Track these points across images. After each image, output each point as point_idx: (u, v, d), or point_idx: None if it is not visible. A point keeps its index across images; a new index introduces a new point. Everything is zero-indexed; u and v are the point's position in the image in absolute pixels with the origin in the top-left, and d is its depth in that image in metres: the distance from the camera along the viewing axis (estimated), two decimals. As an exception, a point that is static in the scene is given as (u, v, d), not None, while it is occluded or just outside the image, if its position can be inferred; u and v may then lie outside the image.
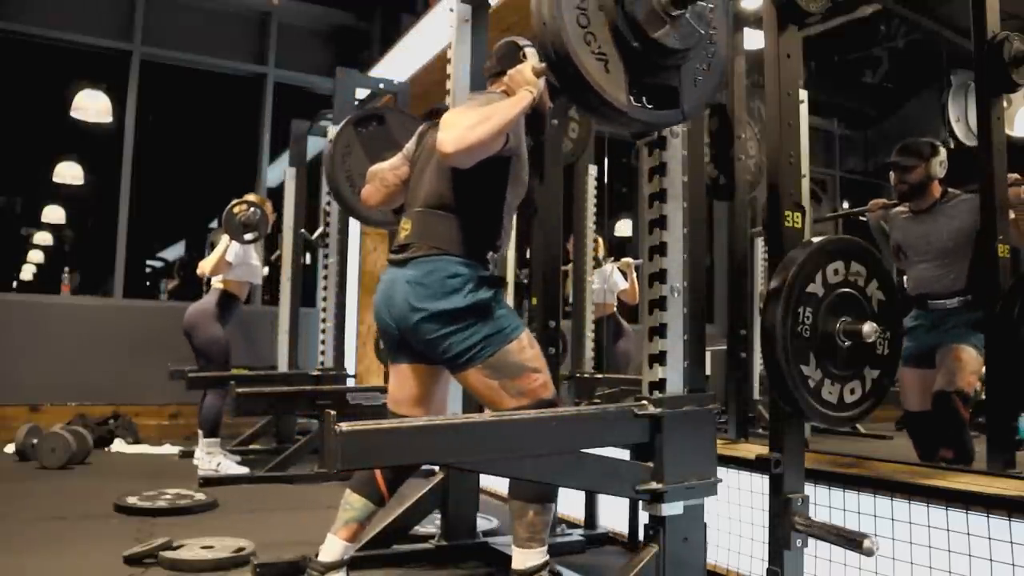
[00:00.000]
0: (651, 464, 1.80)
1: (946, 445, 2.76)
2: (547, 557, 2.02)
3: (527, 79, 1.99)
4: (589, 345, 4.16)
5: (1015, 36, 2.42)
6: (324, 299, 4.54)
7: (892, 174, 3.06)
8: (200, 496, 3.41)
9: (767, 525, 1.86)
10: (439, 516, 2.72)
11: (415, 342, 2.01)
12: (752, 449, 2.52)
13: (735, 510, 2.44)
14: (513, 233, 3.06)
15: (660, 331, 1.83)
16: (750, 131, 3.08)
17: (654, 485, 1.77)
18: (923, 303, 3.00)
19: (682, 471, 1.79)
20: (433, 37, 4.99)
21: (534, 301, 2.64)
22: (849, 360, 1.81)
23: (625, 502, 2.79)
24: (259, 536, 2.70)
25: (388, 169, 2.27)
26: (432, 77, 5.11)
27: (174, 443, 5.35)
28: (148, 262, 8.45)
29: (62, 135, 6.57)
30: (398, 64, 5.58)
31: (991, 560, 1.78)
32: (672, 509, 1.78)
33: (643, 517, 1.92)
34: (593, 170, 4.32)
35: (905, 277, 3.16)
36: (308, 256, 5.84)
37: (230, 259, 4.37)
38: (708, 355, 2.01)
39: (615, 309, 5.39)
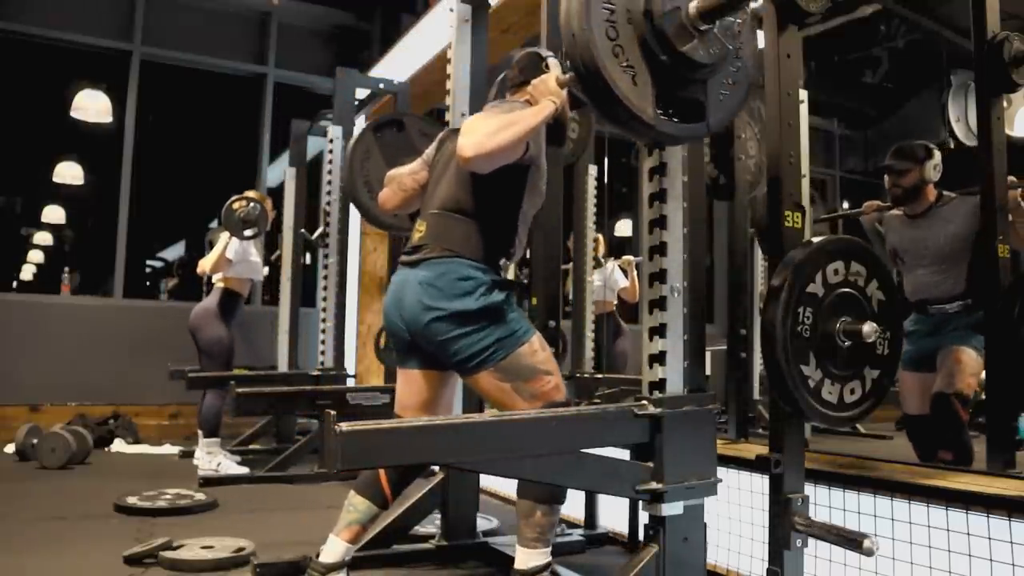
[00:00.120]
0: (651, 464, 1.80)
1: (945, 447, 2.75)
2: (550, 558, 2.03)
3: (551, 89, 2.01)
4: (589, 345, 4.16)
5: (1015, 36, 2.42)
6: (324, 299, 4.54)
7: (886, 177, 3.04)
8: (200, 496, 3.41)
9: (767, 525, 1.86)
10: (439, 516, 2.72)
11: (425, 344, 2.01)
12: (752, 449, 2.52)
13: (735, 510, 2.44)
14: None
15: (660, 331, 1.83)
16: (750, 131, 3.07)
17: (654, 485, 1.77)
18: (923, 308, 2.98)
19: (682, 471, 1.79)
20: (433, 37, 5.00)
21: (534, 301, 2.64)
22: (849, 360, 1.81)
23: (625, 502, 2.79)
24: (259, 536, 2.70)
25: (407, 173, 2.28)
26: (432, 77, 5.11)
27: (174, 443, 5.35)
28: (148, 262, 8.45)
29: (62, 135, 6.57)
30: (398, 64, 5.58)
31: (991, 560, 1.78)
32: (672, 509, 1.78)
33: (643, 517, 1.92)
34: (593, 170, 4.32)
35: (903, 282, 3.14)
36: (308, 256, 5.84)
37: (230, 256, 4.36)
38: (708, 355, 2.01)
39: (615, 307, 5.39)
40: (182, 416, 5.81)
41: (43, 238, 8.58)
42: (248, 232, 4.41)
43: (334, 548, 2.07)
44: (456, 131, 2.14)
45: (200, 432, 4.24)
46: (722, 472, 1.92)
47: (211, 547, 2.54)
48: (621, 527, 2.88)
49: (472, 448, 1.58)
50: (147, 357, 5.59)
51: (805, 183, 2.74)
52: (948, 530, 1.87)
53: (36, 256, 8.82)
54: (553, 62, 2.15)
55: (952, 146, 3.27)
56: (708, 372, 2.05)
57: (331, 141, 4.65)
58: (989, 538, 1.79)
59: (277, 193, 5.72)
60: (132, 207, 6.14)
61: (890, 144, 3.13)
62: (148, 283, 8.26)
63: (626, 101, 1.51)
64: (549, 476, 1.76)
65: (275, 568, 2.34)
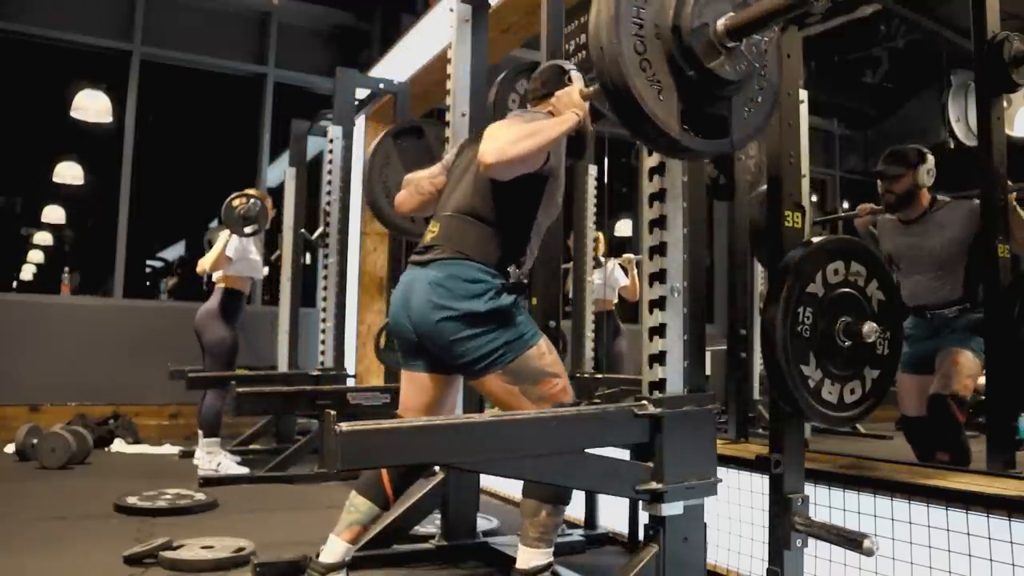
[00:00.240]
0: (651, 464, 1.80)
1: (942, 448, 2.76)
2: (552, 559, 2.03)
3: (574, 102, 2.02)
4: (589, 345, 4.16)
5: (1015, 36, 2.42)
6: (324, 299, 4.54)
7: (879, 183, 3.00)
8: (200, 496, 3.41)
9: (767, 525, 1.87)
10: (439, 516, 2.72)
11: (432, 345, 2.01)
12: (752, 449, 2.52)
13: (735, 510, 2.44)
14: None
15: (660, 331, 1.83)
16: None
17: (654, 485, 1.77)
18: (920, 313, 2.97)
19: (682, 471, 1.79)
20: (433, 37, 5.00)
21: (534, 301, 2.64)
22: (849, 360, 1.81)
23: (625, 502, 2.79)
24: (259, 536, 2.70)
25: (425, 177, 2.29)
26: (432, 77, 5.11)
27: (174, 443, 5.35)
28: (148, 262, 8.44)
29: (62, 135, 6.56)
30: (398, 64, 5.58)
31: (991, 560, 1.78)
32: (672, 509, 1.78)
33: (643, 517, 1.92)
34: (593, 170, 4.32)
35: (900, 286, 3.13)
36: (308, 256, 5.84)
37: (230, 254, 4.36)
38: (708, 355, 2.01)
39: (614, 307, 5.39)
40: (182, 416, 5.81)
41: (43, 238, 8.57)
42: (248, 229, 4.41)
43: (334, 548, 2.07)
44: (476, 139, 2.16)
45: (200, 432, 4.24)
46: (722, 472, 1.92)
47: (211, 547, 2.54)
48: (621, 527, 2.88)
49: (473, 448, 1.58)
50: (147, 357, 5.58)
51: (805, 183, 2.74)
52: (948, 530, 1.87)
53: (36, 256, 8.81)
54: (576, 75, 2.17)
55: (952, 146, 3.26)
56: (708, 372, 2.05)
57: (331, 141, 4.65)
58: (989, 538, 1.79)
59: (277, 193, 5.72)
60: (132, 207, 6.14)
61: (890, 144, 3.12)
62: (148, 283, 8.26)
63: (652, 116, 1.51)
64: (549, 476, 1.76)
65: (275, 568, 2.34)
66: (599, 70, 1.53)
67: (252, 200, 4.41)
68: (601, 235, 4.82)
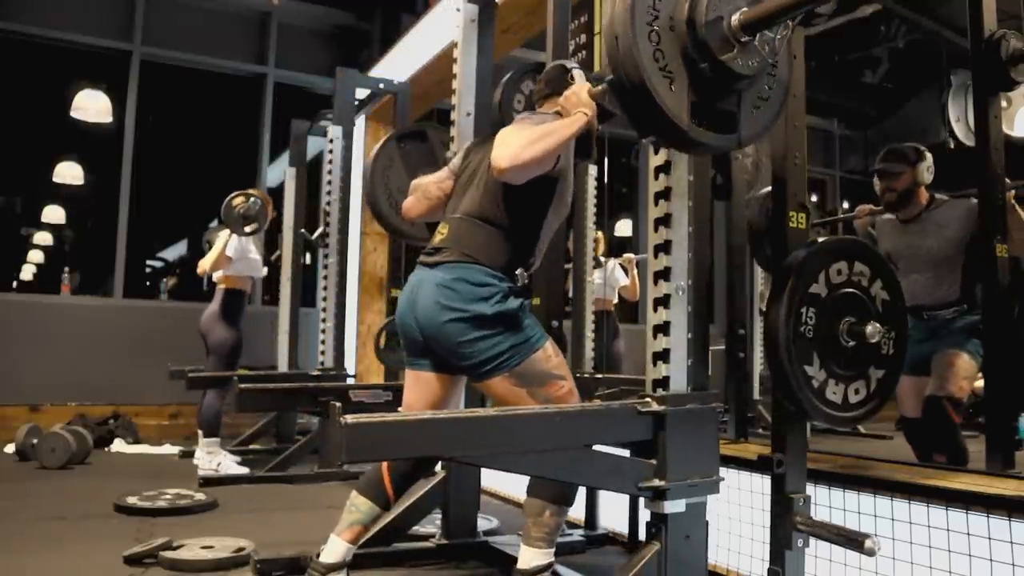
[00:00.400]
0: (654, 461, 1.80)
1: (939, 450, 2.76)
2: (552, 559, 2.03)
3: (583, 101, 2.02)
4: (589, 345, 4.16)
5: (1012, 34, 2.43)
6: (324, 299, 4.53)
7: (878, 182, 3.00)
8: (200, 496, 3.41)
9: (767, 525, 1.87)
10: (439, 515, 2.72)
11: (438, 347, 2.01)
12: (752, 449, 2.52)
13: (735, 510, 2.44)
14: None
15: (664, 328, 1.83)
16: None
17: (657, 482, 1.77)
18: (918, 313, 2.96)
19: (685, 469, 1.79)
20: (433, 37, 4.99)
21: (537, 301, 2.64)
22: (853, 360, 1.81)
23: (625, 503, 2.79)
24: (259, 536, 2.70)
25: (433, 182, 2.29)
26: (432, 77, 5.11)
27: (174, 443, 5.35)
28: (148, 262, 8.43)
29: (62, 135, 6.55)
30: (398, 64, 5.58)
31: (991, 560, 1.78)
32: (674, 507, 1.78)
33: (643, 517, 1.92)
34: (593, 170, 4.32)
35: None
36: (308, 256, 5.84)
37: (230, 254, 4.36)
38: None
39: (614, 307, 5.39)
40: (182, 416, 5.81)
41: (43, 238, 8.56)
42: (248, 228, 4.41)
43: (335, 548, 2.07)
44: (482, 142, 2.17)
45: (200, 432, 4.24)
46: (722, 472, 1.92)
47: (211, 547, 2.54)
48: (621, 527, 2.88)
49: (477, 442, 1.58)
50: (147, 357, 5.58)
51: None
52: (948, 530, 1.87)
53: (36, 256, 8.80)
54: (578, 73, 2.17)
55: (952, 146, 3.26)
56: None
57: (331, 141, 4.65)
58: (989, 538, 1.79)
59: (277, 193, 5.72)
60: (132, 207, 6.14)
61: (890, 144, 3.12)
62: (148, 283, 8.25)
63: (663, 106, 1.52)
64: (553, 471, 1.76)
65: (276, 564, 2.35)
66: (612, 60, 1.54)
67: (252, 199, 4.41)
68: (601, 235, 4.81)
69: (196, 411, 4.43)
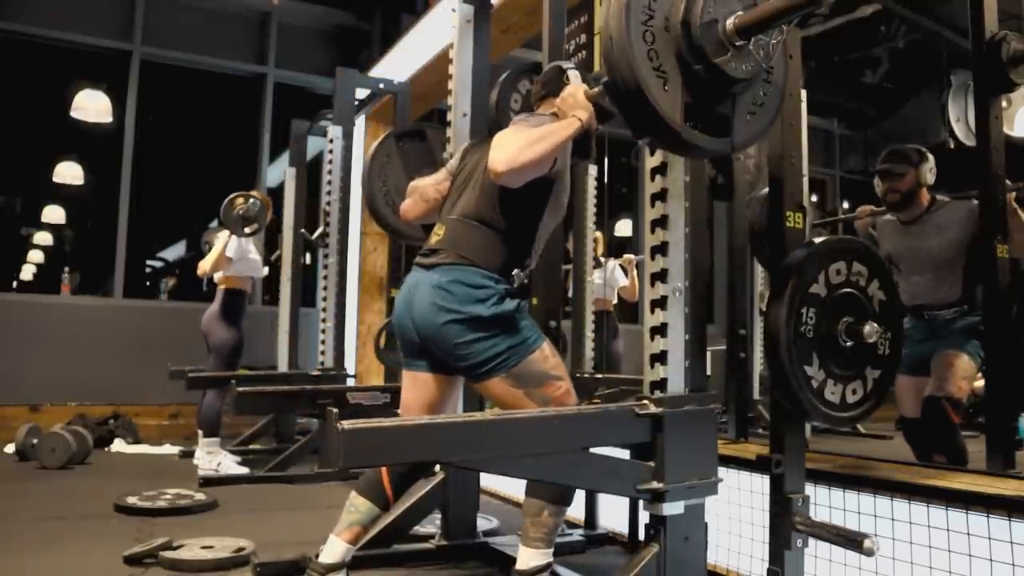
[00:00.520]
0: (652, 463, 1.80)
1: (938, 450, 2.76)
2: (551, 559, 2.03)
3: (579, 103, 2.01)
4: (589, 345, 4.16)
5: (1013, 35, 2.43)
6: (324, 299, 4.54)
7: (879, 183, 2.99)
8: (200, 496, 3.41)
9: (767, 525, 1.87)
10: (439, 516, 2.72)
11: (435, 348, 2.01)
12: (751, 449, 2.52)
13: (735, 510, 2.44)
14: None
15: (661, 330, 1.83)
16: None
17: (655, 484, 1.77)
18: (919, 313, 2.97)
19: (683, 470, 1.79)
20: (433, 37, 4.99)
21: (534, 301, 2.64)
22: (851, 360, 1.81)
23: (624, 502, 2.79)
24: (259, 536, 2.70)
25: (431, 184, 2.29)
26: (432, 77, 5.11)
27: (174, 443, 5.35)
28: (148, 262, 8.44)
29: (62, 135, 6.56)
30: (398, 64, 5.58)
31: (991, 560, 1.78)
32: (673, 508, 1.78)
33: (643, 517, 1.92)
34: (593, 170, 4.32)
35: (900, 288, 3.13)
36: (308, 256, 5.84)
37: (230, 254, 4.37)
38: (708, 355, 2.01)
39: (613, 307, 5.39)
40: (182, 416, 5.81)
41: (43, 238, 8.56)
42: (248, 229, 4.42)
43: (334, 548, 2.07)
44: (479, 143, 2.17)
45: (200, 432, 4.24)
46: (722, 472, 1.92)
47: (211, 547, 2.54)
48: (621, 527, 2.88)
49: (474, 446, 1.58)
50: (147, 357, 5.59)
51: (804, 183, 2.74)
52: (948, 530, 1.87)
53: (36, 256, 8.81)
54: (573, 74, 2.17)
55: (952, 146, 3.26)
56: (708, 372, 2.06)
57: (331, 141, 4.65)
58: (989, 538, 1.79)
59: (277, 193, 5.72)
60: (132, 207, 6.14)
61: (890, 144, 3.12)
62: (148, 283, 8.25)
63: (656, 106, 1.51)
64: (551, 474, 1.76)
65: (275, 567, 2.34)
66: (607, 59, 1.54)
67: (252, 200, 4.42)
68: (601, 235, 4.81)
69: (196, 411, 4.43)
